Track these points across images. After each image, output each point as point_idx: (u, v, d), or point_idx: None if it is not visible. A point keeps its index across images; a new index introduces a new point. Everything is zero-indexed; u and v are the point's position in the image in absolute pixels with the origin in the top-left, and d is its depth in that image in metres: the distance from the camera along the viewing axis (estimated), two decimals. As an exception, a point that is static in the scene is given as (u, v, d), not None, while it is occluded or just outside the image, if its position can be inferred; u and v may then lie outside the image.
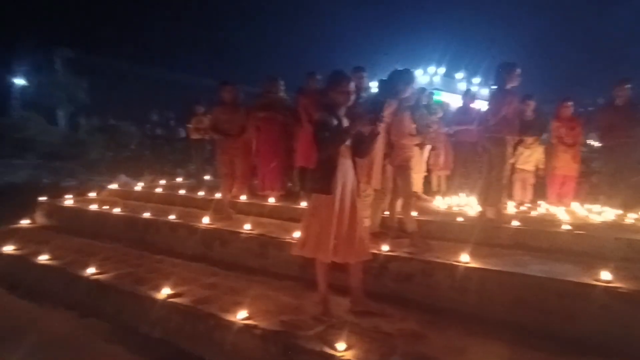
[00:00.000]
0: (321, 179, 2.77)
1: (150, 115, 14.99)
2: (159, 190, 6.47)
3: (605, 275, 2.73)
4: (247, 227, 4.19)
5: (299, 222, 4.35)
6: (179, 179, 8.05)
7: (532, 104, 5.62)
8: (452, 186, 6.05)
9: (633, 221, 4.15)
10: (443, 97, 13.29)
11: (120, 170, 9.64)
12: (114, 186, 7.03)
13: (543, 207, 5.07)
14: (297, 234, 3.87)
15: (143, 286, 3.44)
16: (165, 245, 4.58)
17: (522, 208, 4.98)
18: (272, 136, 5.35)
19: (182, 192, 6.11)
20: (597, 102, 8.29)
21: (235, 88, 4.92)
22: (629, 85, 4.97)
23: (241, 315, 2.80)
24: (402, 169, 3.66)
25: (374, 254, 3.39)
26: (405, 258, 3.35)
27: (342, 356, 2.39)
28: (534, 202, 5.45)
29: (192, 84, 18.40)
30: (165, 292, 3.22)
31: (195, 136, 7.28)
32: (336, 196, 2.75)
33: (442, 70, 16.28)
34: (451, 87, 15.44)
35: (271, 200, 5.11)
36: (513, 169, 5.76)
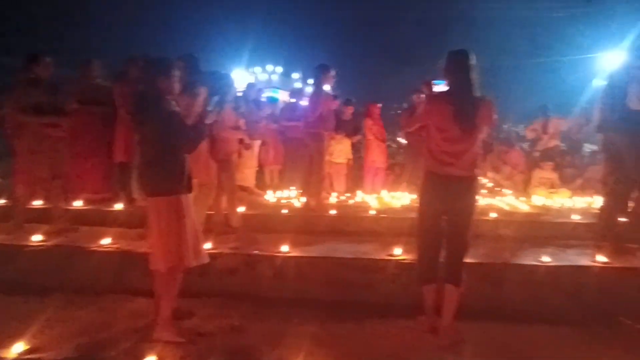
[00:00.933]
0: (179, 177, 2.47)
1: None
2: None
3: (397, 250, 3.24)
4: (38, 238, 3.46)
5: (113, 227, 3.86)
6: None
7: (351, 109, 6.53)
8: (284, 180, 6.31)
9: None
10: (280, 95, 13.80)
11: None
12: None
13: (359, 196, 5.75)
14: (103, 242, 3.41)
15: None
16: None
17: (342, 198, 5.53)
18: (90, 129, 4.55)
19: None
20: (403, 106, 9.91)
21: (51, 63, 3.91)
22: (422, 95, 6.07)
23: (17, 350, 2.27)
24: (225, 164, 3.59)
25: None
26: (229, 254, 3.32)
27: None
28: (353, 191, 6.14)
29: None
30: None
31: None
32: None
33: (279, 69, 16.92)
34: (288, 86, 16.18)
35: (78, 204, 4.35)
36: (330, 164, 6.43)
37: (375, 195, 5.50)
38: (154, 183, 2.48)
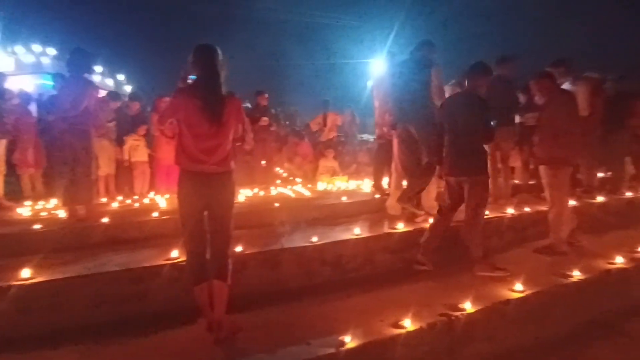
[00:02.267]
0: None
1: None
2: None
3: (175, 252, 3.07)
4: None
5: None
6: None
7: (137, 104, 6.21)
8: (49, 187, 5.24)
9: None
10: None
11: None
12: None
13: (150, 198, 5.30)
14: None
15: None
16: None
17: (128, 201, 4.98)
18: None
19: None
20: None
21: None
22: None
23: None
24: None
25: None
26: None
27: None
28: (144, 194, 5.64)
29: None
30: None
31: None
32: None
33: (52, 51, 13.86)
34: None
35: None
36: (131, 163, 5.82)
37: (167, 196, 5.17)
38: None
